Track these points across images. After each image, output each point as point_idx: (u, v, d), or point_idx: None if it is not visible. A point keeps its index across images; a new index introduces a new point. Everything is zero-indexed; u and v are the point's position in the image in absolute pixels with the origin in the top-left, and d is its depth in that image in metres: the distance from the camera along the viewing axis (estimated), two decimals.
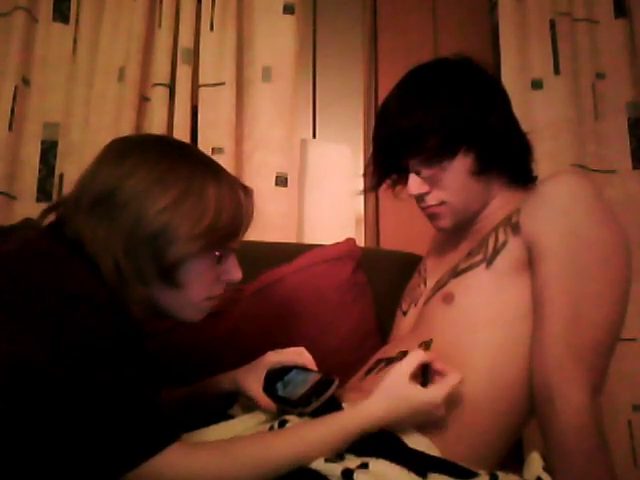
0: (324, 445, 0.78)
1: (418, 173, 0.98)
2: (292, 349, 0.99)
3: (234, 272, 0.87)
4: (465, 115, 0.94)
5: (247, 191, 0.88)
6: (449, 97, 0.95)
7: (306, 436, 0.80)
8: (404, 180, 1.02)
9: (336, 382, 0.89)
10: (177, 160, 0.83)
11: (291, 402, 0.88)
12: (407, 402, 0.83)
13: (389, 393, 0.83)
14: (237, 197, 0.85)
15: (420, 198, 1.00)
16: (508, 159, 0.99)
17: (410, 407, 0.83)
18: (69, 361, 0.68)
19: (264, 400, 0.93)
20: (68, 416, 0.68)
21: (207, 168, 0.84)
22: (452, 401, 0.87)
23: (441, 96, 0.95)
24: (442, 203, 0.99)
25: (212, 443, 0.79)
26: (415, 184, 0.98)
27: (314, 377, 0.91)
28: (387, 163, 1.02)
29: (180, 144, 0.91)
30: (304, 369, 0.95)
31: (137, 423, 0.71)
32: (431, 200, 0.99)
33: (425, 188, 0.98)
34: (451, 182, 0.97)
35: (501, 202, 1.01)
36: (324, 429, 0.80)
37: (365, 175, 1.08)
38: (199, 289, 0.84)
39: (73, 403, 0.68)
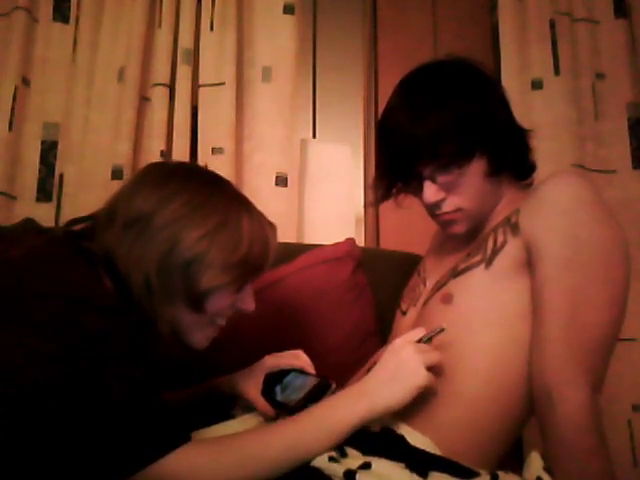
0: (325, 436, 0.79)
1: (433, 180, 0.95)
2: (290, 352, 1.00)
3: (249, 302, 0.90)
4: (477, 116, 0.93)
5: (272, 227, 0.91)
6: (459, 99, 0.93)
7: (302, 426, 0.80)
8: (411, 188, 1.00)
9: (333, 387, 0.89)
10: (215, 191, 0.86)
11: (288, 408, 0.88)
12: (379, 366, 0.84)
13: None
14: (266, 232, 0.88)
15: (435, 206, 0.97)
16: (516, 157, 0.99)
17: (382, 362, 0.84)
18: (76, 365, 0.69)
19: (262, 404, 0.94)
20: (78, 419, 0.69)
21: (241, 202, 0.88)
22: (452, 401, 0.88)
23: (451, 99, 0.93)
24: (458, 209, 0.97)
25: (213, 440, 0.80)
26: (431, 192, 0.95)
27: (311, 381, 0.91)
28: (398, 172, 0.99)
29: (214, 175, 0.92)
30: (302, 372, 0.95)
31: (147, 424, 0.71)
32: (447, 207, 0.97)
33: (441, 195, 0.95)
34: (467, 187, 0.95)
35: (507, 201, 1.01)
36: (323, 420, 0.80)
37: (373, 187, 1.05)
38: (215, 314, 0.87)
39: (82, 408, 0.69)
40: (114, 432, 0.69)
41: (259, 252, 0.86)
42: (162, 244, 0.79)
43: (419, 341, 0.85)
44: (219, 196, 0.85)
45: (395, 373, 0.82)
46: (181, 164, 0.99)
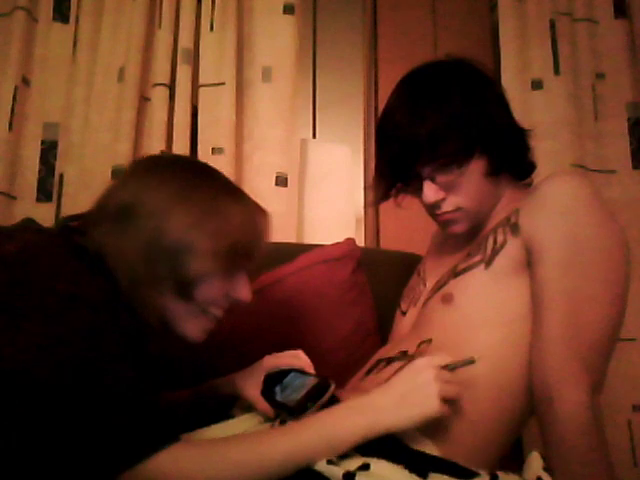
0: (322, 448, 0.76)
1: (432, 180, 0.95)
2: (289, 352, 0.99)
3: (244, 292, 0.88)
4: (477, 116, 0.93)
5: (264, 214, 0.90)
6: (459, 99, 0.93)
7: (300, 438, 0.76)
8: (411, 188, 1.00)
9: (332, 387, 0.88)
10: (204, 179, 0.86)
11: (288, 408, 0.88)
12: (394, 381, 0.81)
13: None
14: (255, 219, 0.88)
15: (435, 205, 0.97)
16: (515, 157, 0.99)
17: (397, 379, 0.80)
18: (68, 362, 0.69)
19: (262, 404, 0.94)
20: (67, 417, 0.68)
21: (231, 189, 0.88)
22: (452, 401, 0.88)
23: (451, 98, 0.93)
24: (458, 209, 0.97)
25: (206, 443, 0.78)
26: (431, 192, 0.95)
27: (311, 382, 0.91)
28: (398, 172, 0.99)
29: (205, 166, 0.92)
30: (302, 372, 0.95)
31: (136, 423, 0.70)
32: (447, 207, 0.97)
33: (441, 195, 0.96)
34: (467, 186, 0.95)
35: (506, 201, 1.01)
36: (320, 430, 0.77)
37: (373, 187, 1.04)
38: (207, 302, 0.85)
39: (71, 404, 0.68)
40: (103, 430, 0.68)
41: (248, 239, 0.85)
42: (148, 233, 0.79)
43: (444, 367, 0.81)
44: (208, 185, 0.85)
45: (406, 396, 0.78)
46: (171, 155, 0.97)
